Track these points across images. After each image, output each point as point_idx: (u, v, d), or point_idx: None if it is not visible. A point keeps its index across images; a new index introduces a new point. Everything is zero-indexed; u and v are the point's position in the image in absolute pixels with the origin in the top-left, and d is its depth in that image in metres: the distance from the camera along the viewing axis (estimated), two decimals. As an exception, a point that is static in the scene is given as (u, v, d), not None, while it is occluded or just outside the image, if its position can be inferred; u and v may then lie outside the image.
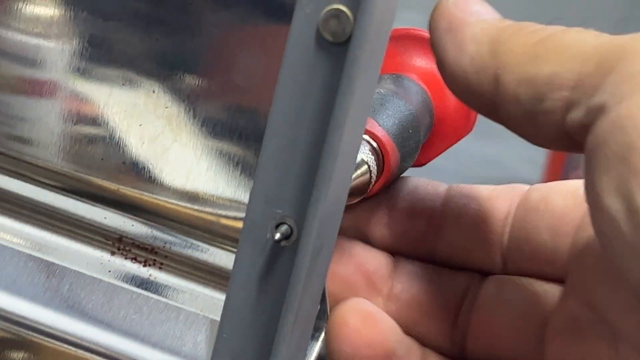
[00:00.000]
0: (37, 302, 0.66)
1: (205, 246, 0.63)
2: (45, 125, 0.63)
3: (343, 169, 0.50)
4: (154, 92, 0.60)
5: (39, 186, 0.64)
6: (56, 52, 0.62)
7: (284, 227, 0.51)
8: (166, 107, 0.60)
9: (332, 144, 0.48)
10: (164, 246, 0.63)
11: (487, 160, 2.75)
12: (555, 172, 2.43)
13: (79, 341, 0.65)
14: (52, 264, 0.65)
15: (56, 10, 0.61)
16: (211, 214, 0.62)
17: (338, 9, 0.47)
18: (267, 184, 0.51)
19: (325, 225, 0.50)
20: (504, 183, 0.65)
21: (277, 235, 0.51)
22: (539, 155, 2.51)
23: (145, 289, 0.64)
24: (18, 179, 0.65)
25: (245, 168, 0.60)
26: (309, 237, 0.50)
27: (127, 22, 0.60)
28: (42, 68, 0.63)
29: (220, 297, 0.62)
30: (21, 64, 0.63)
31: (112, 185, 0.63)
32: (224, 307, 0.54)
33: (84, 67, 0.61)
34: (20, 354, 0.67)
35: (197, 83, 0.60)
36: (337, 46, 0.48)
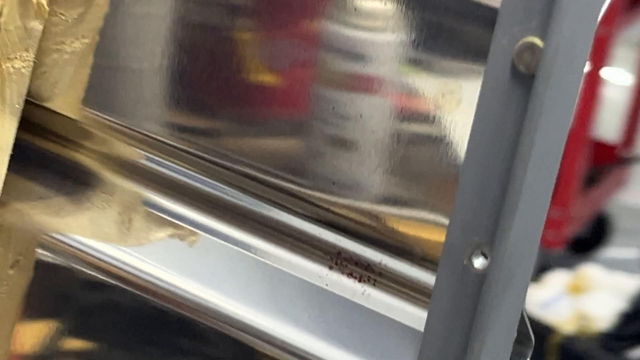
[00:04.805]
0: (258, 308, 0.69)
1: (420, 266, 0.64)
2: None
3: (536, 196, 0.50)
4: None
5: (269, 204, 0.68)
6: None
7: (480, 254, 0.52)
8: None
9: (518, 175, 0.48)
10: (379, 263, 0.65)
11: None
12: None
13: (292, 349, 0.67)
14: (275, 273, 0.68)
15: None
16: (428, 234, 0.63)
17: (531, 42, 0.47)
18: (464, 211, 0.52)
19: (517, 252, 0.51)
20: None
21: (475, 262, 0.52)
22: None
23: (358, 305, 0.65)
24: (256, 198, 0.68)
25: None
26: (498, 265, 0.50)
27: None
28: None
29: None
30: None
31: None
32: (425, 328, 0.56)
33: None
34: (235, 355, 0.70)
35: None
36: (530, 78, 0.48)
